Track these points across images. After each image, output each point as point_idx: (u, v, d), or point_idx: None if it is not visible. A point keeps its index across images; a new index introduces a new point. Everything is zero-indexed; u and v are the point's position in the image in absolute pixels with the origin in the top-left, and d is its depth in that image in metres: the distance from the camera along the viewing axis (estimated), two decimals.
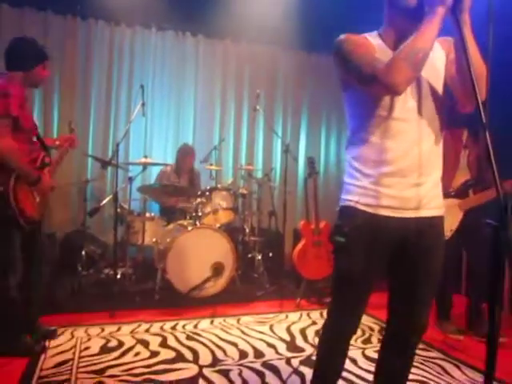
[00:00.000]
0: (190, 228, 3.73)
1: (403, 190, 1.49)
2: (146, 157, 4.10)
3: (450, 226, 3.08)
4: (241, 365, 2.59)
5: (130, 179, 4.02)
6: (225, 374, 2.46)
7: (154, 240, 4.03)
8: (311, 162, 4.08)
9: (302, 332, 3.17)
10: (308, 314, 3.58)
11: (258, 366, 2.58)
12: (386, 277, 1.63)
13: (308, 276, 3.93)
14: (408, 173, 1.49)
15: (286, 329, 3.23)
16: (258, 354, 2.77)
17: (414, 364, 1.91)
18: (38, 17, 4.72)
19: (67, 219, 4.83)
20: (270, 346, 2.90)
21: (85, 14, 4.87)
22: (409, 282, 1.58)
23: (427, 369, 2.61)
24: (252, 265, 4.56)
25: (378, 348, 1.80)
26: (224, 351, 2.79)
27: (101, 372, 2.43)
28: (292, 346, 2.92)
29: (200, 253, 3.70)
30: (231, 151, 5.52)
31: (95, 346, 2.80)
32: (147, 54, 5.15)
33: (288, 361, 2.66)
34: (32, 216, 2.54)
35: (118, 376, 2.39)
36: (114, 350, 2.75)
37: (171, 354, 2.71)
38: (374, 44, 1.51)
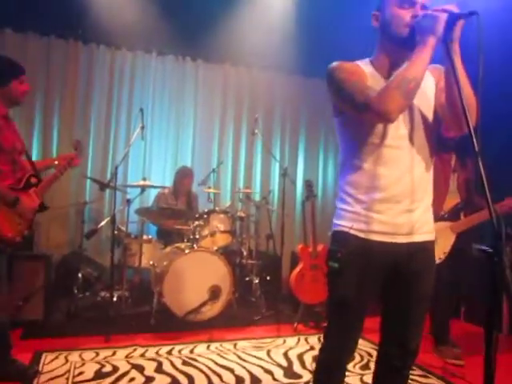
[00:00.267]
0: (187, 251, 3.71)
1: (396, 216, 1.51)
2: (144, 179, 4.12)
3: (443, 248, 3.09)
4: None
5: (128, 201, 4.03)
6: None
7: (150, 263, 4.01)
8: (309, 186, 4.10)
9: (300, 357, 3.13)
10: (306, 339, 3.54)
11: None
12: (379, 300, 1.64)
13: (305, 300, 3.90)
14: (401, 199, 1.51)
15: (283, 354, 3.19)
16: (255, 380, 2.73)
17: None
18: (40, 41, 4.81)
19: (64, 241, 4.82)
20: (267, 371, 2.86)
21: (86, 38, 4.96)
22: (400, 306, 1.59)
23: None
24: (249, 288, 4.53)
25: None
26: (220, 377, 2.75)
27: None
28: (289, 372, 2.88)
29: (197, 276, 3.68)
30: (229, 174, 5.55)
31: (89, 371, 2.75)
32: (147, 78, 5.23)
33: None
34: (8, 237, 2.45)
35: None
36: (108, 375, 2.70)
37: (166, 380, 2.67)
38: (366, 72, 1.54)
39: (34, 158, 4.64)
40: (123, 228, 4.17)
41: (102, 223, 4.17)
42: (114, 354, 3.06)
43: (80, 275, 4.10)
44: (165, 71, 5.30)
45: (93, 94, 5.01)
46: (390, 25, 1.49)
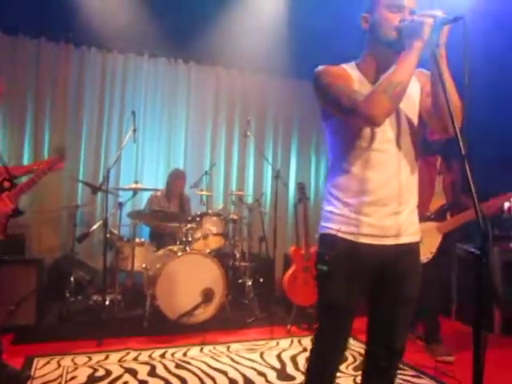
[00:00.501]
0: (179, 254, 3.71)
1: (383, 219, 1.53)
2: (136, 182, 4.11)
3: (430, 248, 3.13)
4: None
5: (120, 205, 4.02)
6: None
7: (143, 266, 4.00)
8: (301, 188, 4.12)
9: (293, 359, 3.14)
10: (299, 341, 3.54)
11: None
12: (366, 301, 1.66)
13: (298, 302, 3.91)
14: (388, 202, 1.53)
15: (276, 356, 3.20)
16: (248, 382, 2.73)
17: None
18: (31, 43, 4.78)
19: (56, 245, 4.79)
20: (261, 374, 2.87)
21: (78, 41, 4.94)
22: (386, 307, 1.61)
23: None
24: (242, 291, 4.53)
25: None
26: (213, 380, 2.75)
27: None
28: (283, 374, 2.88)
29: (190, 279, 3.67)
30: (222, 177, 5.55)
31: (82, 375, 2.74)
32: (139, 81, 5.22)
33: None
34: None
35: None
36: (101, 379, 2.69)
37: None
38: (352, 76, 1.56)
39: (25, 162, 4.64)
40: (115, 231, 4.16)
41: (94, 227, 4.15)
42: (106, 358, 3.05)
43: (72, 279, 4.08)
44: (157, 74, 5.30)
45: (84, 97, 4.99)
46: (378, 27, 1.51)
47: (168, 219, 4.26)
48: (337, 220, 1.57)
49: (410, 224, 1.59)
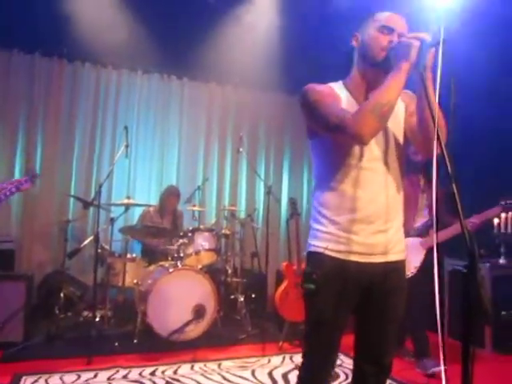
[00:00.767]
0: (171, 270, 3.69)
1: (369, 237, 1.54)
2: (128, 198, 4.11)
3: (414, 263, 3.21)
4: None
5: (112, 220, 4.00)
6: None
7: (134, 282, 3.97)
8: (293, 203, 4.13)
9: (285, 377, 3.12)
10: (291, 358, 3.52)
11: None
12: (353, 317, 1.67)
13: (290, 318, 3.89)
14: (374, 219, 1.54)
15: (268, 374, 3.17)
16: None
17: None
18: (25, 58, 4.81)
19: (47, 260, 4.75)
20: None
21: (71, 56, 4.97)
22: (373, 324, 1.62)
23: None
24: (234, 306, 4.50)
25: None
26: None
27: None
28: None
29: (181, 295, 3.65)
30: (214, 192, 5.56)
31: None
32: (132, 96, 5.24)
33: None
34: None
35: None
36: None
37: None
38: (340, 95, 1.59)
39: (16, 176, 4.62)
40: (107, 246, 4.14)
41: (86, 242, 4.13)
42: (95, 376, 3.01)
43: (62, 295, 4.03)
44: (150, 89, 5.33)
45: (77, 112, 5.00)
46: (367, 46, 1.55)
47: (160, 235, 4.25)
48: (324, 238, 1.58)
49: (396, 242, 1.60)
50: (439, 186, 1.16)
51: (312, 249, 1.62)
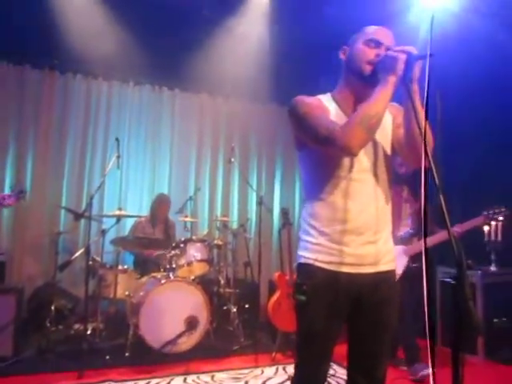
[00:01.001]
0: (163, 281, 3.67)
1: (359, 248, 1.55)
2: (120, 209, 4.09)
3: (397, 270, 3.19)
4: None
5: (103, 231, 3.97)
6: None
7: (126, 293, 3.94)
8: (285, 213, 4.14)
9: None
10: (284, 368, 3.51)
11: None
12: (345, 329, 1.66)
13: (283, 328, 3.88)
14: (363, 230, 1.56)
15: None
16: None
17: None
18: (15, 70, 4.80)
19: (38, 272, 4.71)
20: None
21: (62, 67, 4.97)
22: (365, 335, 1.61)
23: None
24: (227, 317, 4.48)
25: None
26: None
27: None
28: None
29: (173, 307, 3.62)
30: (207, 203, 5.56)
31: None
32: (124, 108, 5.25)
33: None
34: None
35: None
36: None
37: None
38: (329, 108, 1.60)
39: (6, 189, 4.59)
40: (98, 258, 4.10)
41: (77, 254, 4.09)
42: None
43: (53, 307, 3.98)
44: (141, 100, 5.34)
45: (68, 124, 4.99)
46: (354, 59, 1.58)
47: (152, 246, 4.23)
48: (314, 249, 1.58)
49: (386, 252, 1.61)
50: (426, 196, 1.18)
51: (302, 260, 1.62)
